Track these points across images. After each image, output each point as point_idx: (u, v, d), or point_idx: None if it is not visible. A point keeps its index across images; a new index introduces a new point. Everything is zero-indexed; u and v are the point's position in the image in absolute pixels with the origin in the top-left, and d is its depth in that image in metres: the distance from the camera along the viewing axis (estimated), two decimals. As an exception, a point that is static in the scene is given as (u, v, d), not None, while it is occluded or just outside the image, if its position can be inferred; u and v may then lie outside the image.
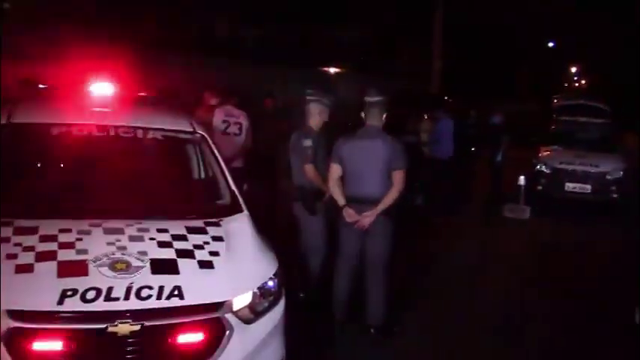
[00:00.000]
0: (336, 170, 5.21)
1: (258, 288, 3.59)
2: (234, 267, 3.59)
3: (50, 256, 3.31)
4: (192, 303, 3.27)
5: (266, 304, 3.60)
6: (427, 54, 23.57)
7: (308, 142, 5.57)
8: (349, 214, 5.12)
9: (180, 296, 3.26)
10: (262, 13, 23.04)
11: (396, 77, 23.66)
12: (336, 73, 23.17)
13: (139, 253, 3.45)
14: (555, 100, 15.31)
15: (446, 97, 16.54)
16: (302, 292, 5.77)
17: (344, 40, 26.70)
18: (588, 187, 11.69)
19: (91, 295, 3.13)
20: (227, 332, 3.34)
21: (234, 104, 7.96)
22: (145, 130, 4.61)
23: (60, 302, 3.07)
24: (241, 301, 3.46)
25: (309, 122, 5.77)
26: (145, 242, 3.56)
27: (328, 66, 23.29)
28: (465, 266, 7.78)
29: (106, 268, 3.29)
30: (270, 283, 3.68)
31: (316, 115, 5.76)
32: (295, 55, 21.51)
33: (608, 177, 11.68)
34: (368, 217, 5.06)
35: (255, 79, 13.46)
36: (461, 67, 28.29)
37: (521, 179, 11.13)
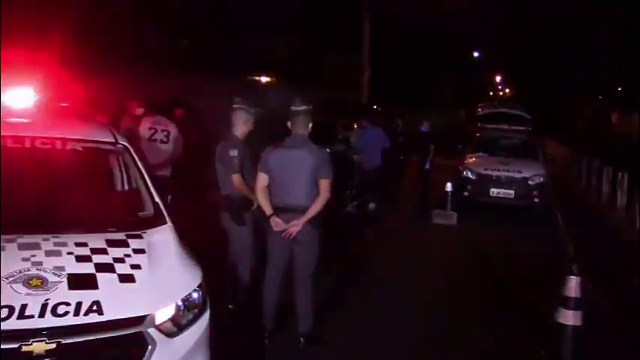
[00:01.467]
0: (263, 179, 5.18)
1: (182, 300, 3.52)
2: (157, 280, 3.51)
3: None
4: (112, 318, 3.18)
5: (190, 317, 3.53)
6: (356, 64, 23.89)
7: (234, 152, 5.51)
8: (276, 223, 5.10)
9: (99, 312, 3.16)
10: (191, 24, 22.76)
11: (325, 87, 23.83)
12: (266, 83, 23.17)
13: (56, 268, 3.33)
14: (480, 109, 15.78)
15: (375, 107, 16.78)
16: (231, 303, 5.72)
17: (273, 50, 26.71)
18: (512, 193, 12.10)
19: (3, 313, 3.00)
20: (149, 347, 3.26)
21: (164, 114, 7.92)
22: (64, 141, 4.46)
23: None
24: (164, 314, 3.38)
25: (234, 131, 5.72)
26: (63, 257, 3.44)
27: (258, 76, 23.25)
28: (396, 272, 7.89)
29: (20, 284, 3.16)
30: (195, 295, 3.60)
31: (242, 124, 5.71)
32: (225, 65, 21.30)
33: (530, 182, 12.13)
34: (295, 226, 5.04)
35: (184, 89, 13.26)
36: (388, 77, 28.79)
37: (448, 185, 11.41)
